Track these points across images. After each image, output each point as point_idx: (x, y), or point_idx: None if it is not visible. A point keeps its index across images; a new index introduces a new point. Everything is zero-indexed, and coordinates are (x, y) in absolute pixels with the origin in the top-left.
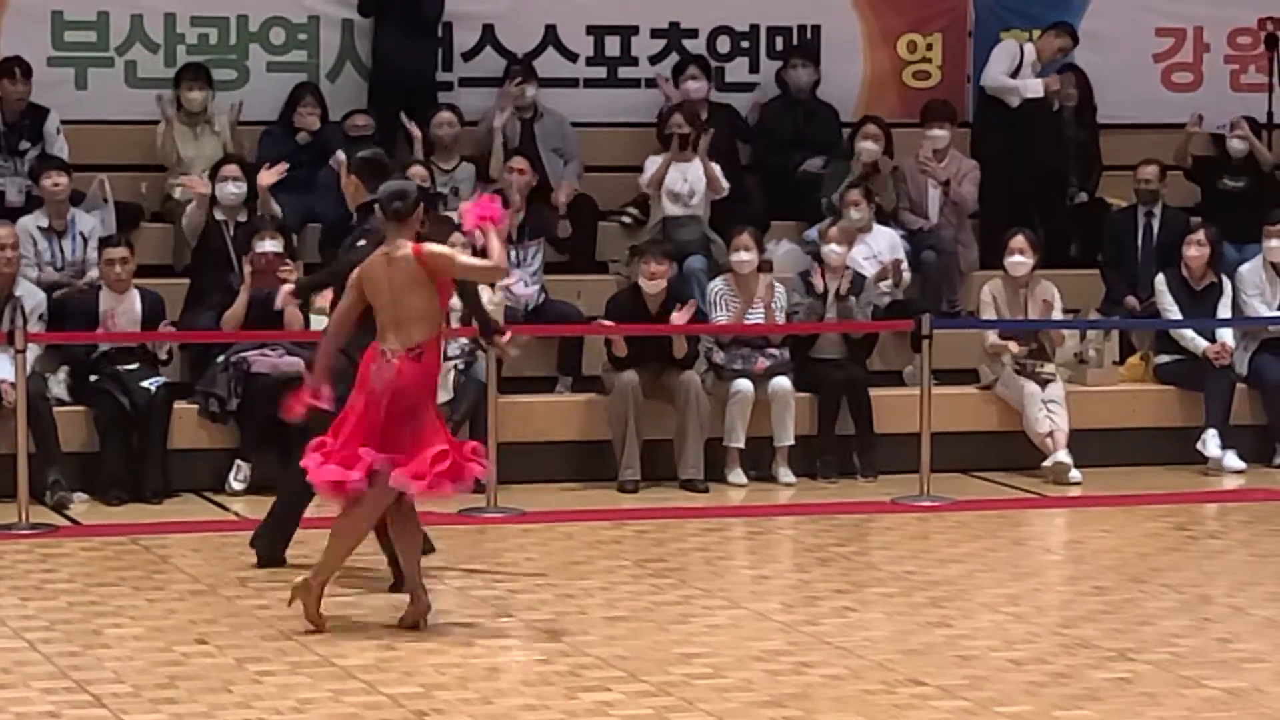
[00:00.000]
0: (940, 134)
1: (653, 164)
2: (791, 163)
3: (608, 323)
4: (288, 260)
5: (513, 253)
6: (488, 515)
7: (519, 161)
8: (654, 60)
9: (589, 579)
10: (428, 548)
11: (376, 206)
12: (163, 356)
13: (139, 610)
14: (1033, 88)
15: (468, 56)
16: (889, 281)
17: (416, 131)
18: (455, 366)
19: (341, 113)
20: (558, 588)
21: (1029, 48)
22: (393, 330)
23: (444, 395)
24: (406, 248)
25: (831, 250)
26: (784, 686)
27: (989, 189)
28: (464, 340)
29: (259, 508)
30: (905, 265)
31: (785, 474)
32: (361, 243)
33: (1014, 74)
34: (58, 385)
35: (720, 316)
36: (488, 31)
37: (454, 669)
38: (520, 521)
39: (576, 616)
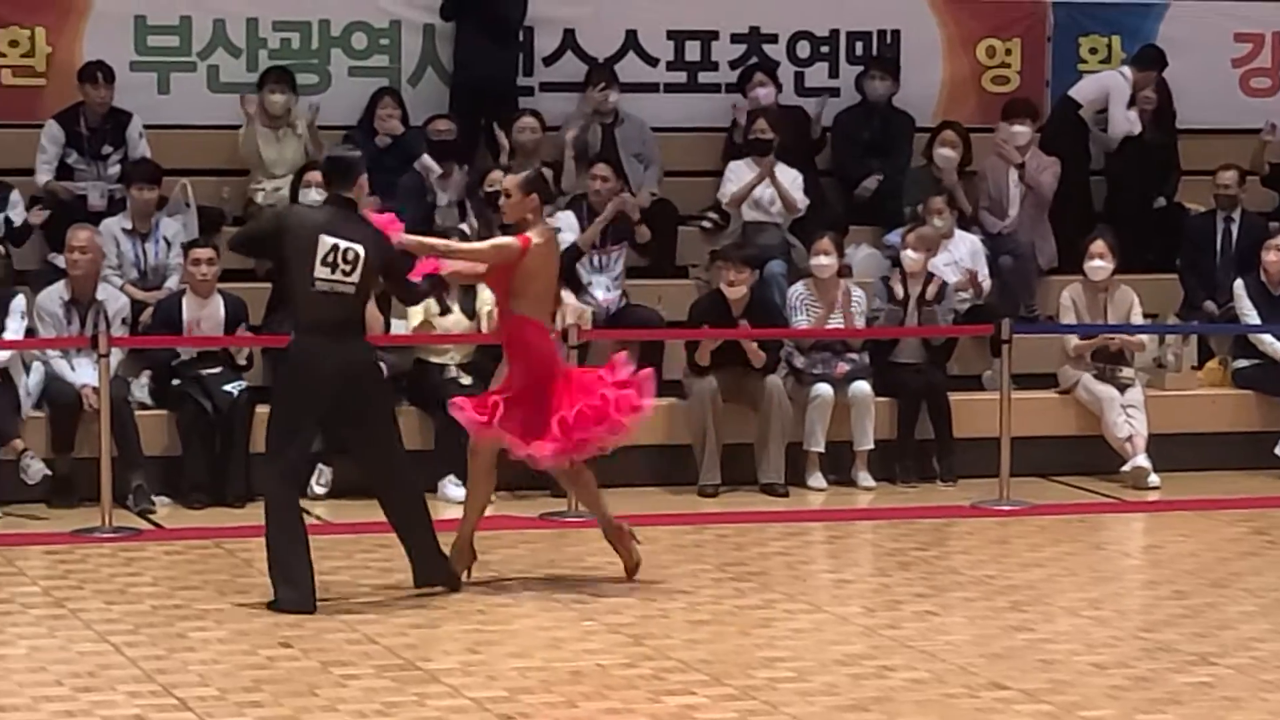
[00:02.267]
0: (1022, 130)
1: (733, 174)
2: (866, 169)
3: (691, 329)
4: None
5: (595, 257)
6: (570, 519)
7: (601, 169)
8: (734, 65)
9: (671, 582)
10: (453, 585)
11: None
12: (241, 361)
13: (223, 614)
14: (1128, 125)
15: (549, 61)
16: (970, 292)
17: (505, 142)
18: None
19: (423, 117)
20: (640, 591)
21: (1119, 81)
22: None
23: None
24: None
25: (910, 256)
26: (866, 690)
27: (1064, 193)
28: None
29: (340, 512)
30: (985, 274)
31: (865, 478)
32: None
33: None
34: (140, 389)
35: (801, 321)
36: (569, 36)
37: (538, 673)
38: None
39: (659, 620)
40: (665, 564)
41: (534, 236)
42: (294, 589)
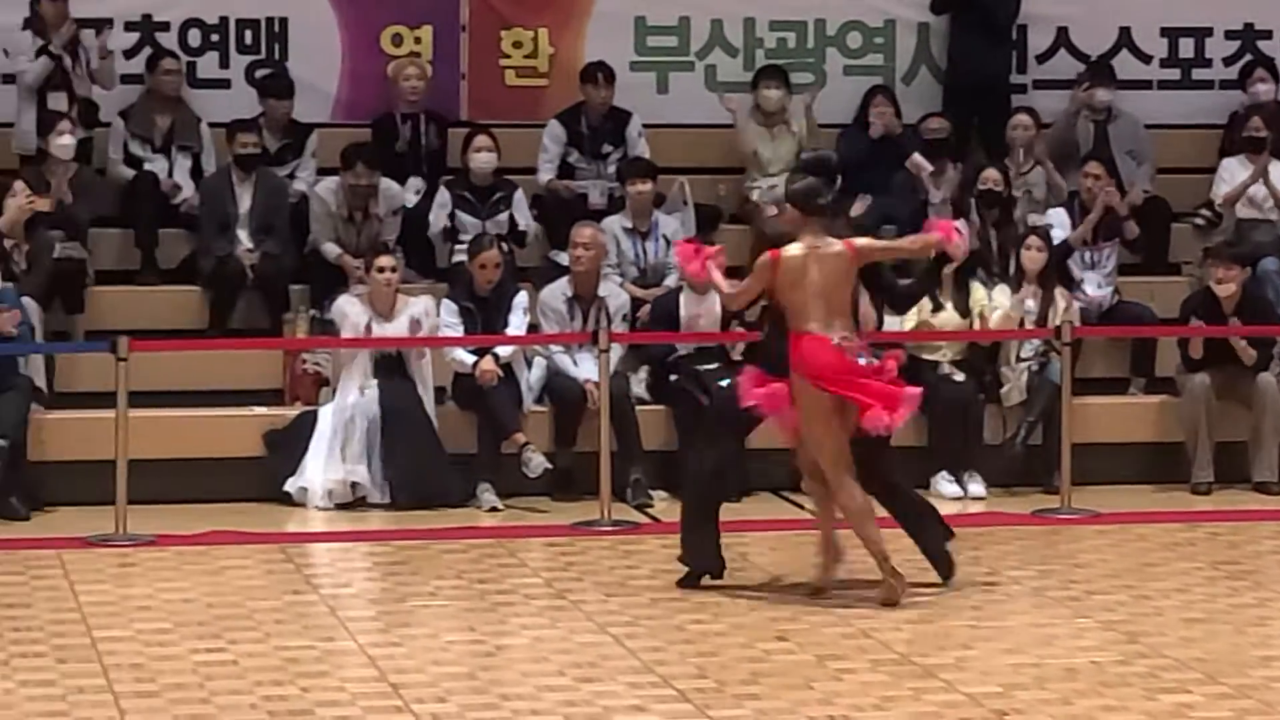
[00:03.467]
0: None
1: (1226, 171)
2: None
3: (1182, 326)
4: None
5: (1086, 254)
6: (1062, 516)
7: (1093, 166)
8: (1227, 62)
9: (1164, 580)
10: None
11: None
12: (735, 356)
13: (721, 607)
14: None
15: (1042, 59)
16: None
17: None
18: (1029, 368)
19: (916, 115)
20: (1133, 589)
21: None
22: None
23: (1017, 396)
24: (838, 244)
25: None
26: None
27: None
28: (1037, 341)
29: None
30: None
31: None
32: None
33: None
34: (638, 385)
35: None
36: (1062, 34)
37: (1032, 669)
38: (1094, 523)
39: (1153, 618)
40: (1157, 561)
41: (790, 249)
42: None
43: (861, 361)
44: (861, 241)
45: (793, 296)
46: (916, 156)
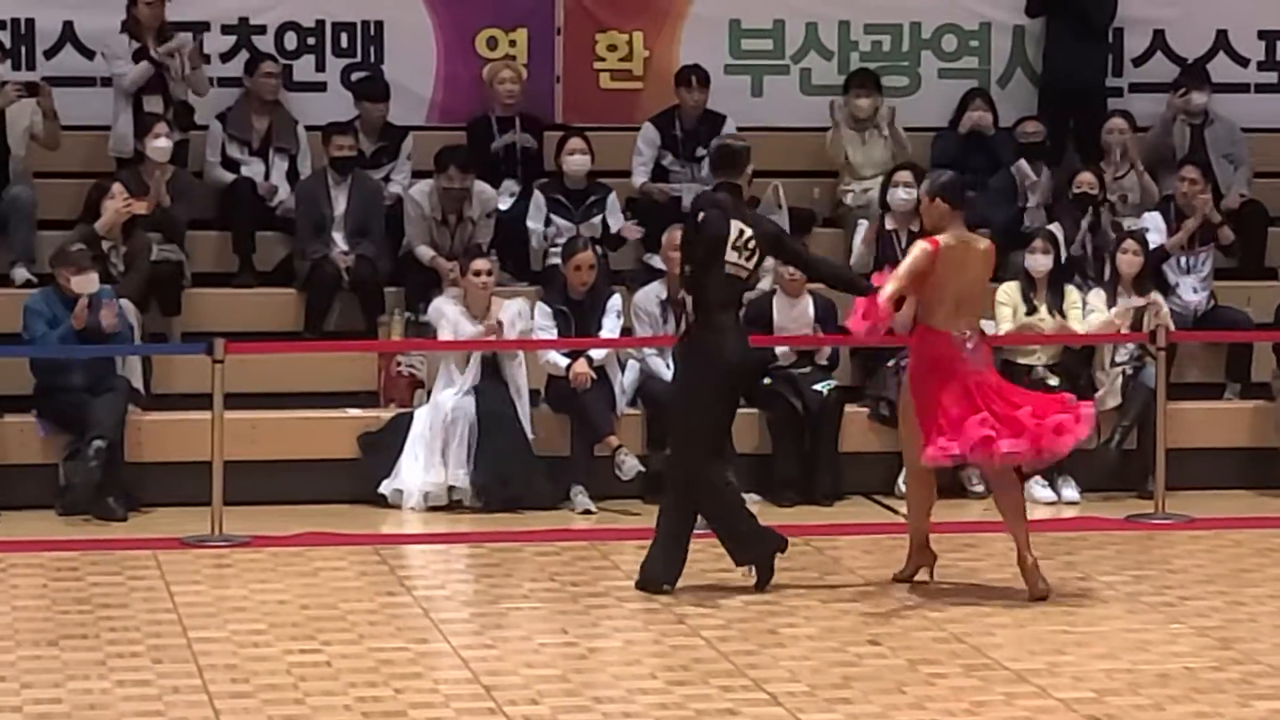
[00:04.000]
0: None
1: None
2: None
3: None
4: None
5: (1182, 259)
6: (1156, 521)
7: (1190, 171)
8: None
9: (1259, 586)
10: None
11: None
12: (822, 361)
13: (812, 610)
14: None
15: (1138, 62)
16: None
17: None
18: (1124, 371)
19: (1012, 119)
20: (1227, 595)
21: None
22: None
23: (1112, 401)
24: (985, 240)
25: None
26: None
27: None
28: (1131, 345)
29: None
30: None
31: None
32: None
33: None
34: None
35: None
36: (1158, 36)
37: (1125, 675)
38: (1189, 528)
39: (1247, 624)
40: (1252, 567)
41: (945, 239)
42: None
43: (972, 357)
44: None
45: (936, 287)
46: (1022, 163)
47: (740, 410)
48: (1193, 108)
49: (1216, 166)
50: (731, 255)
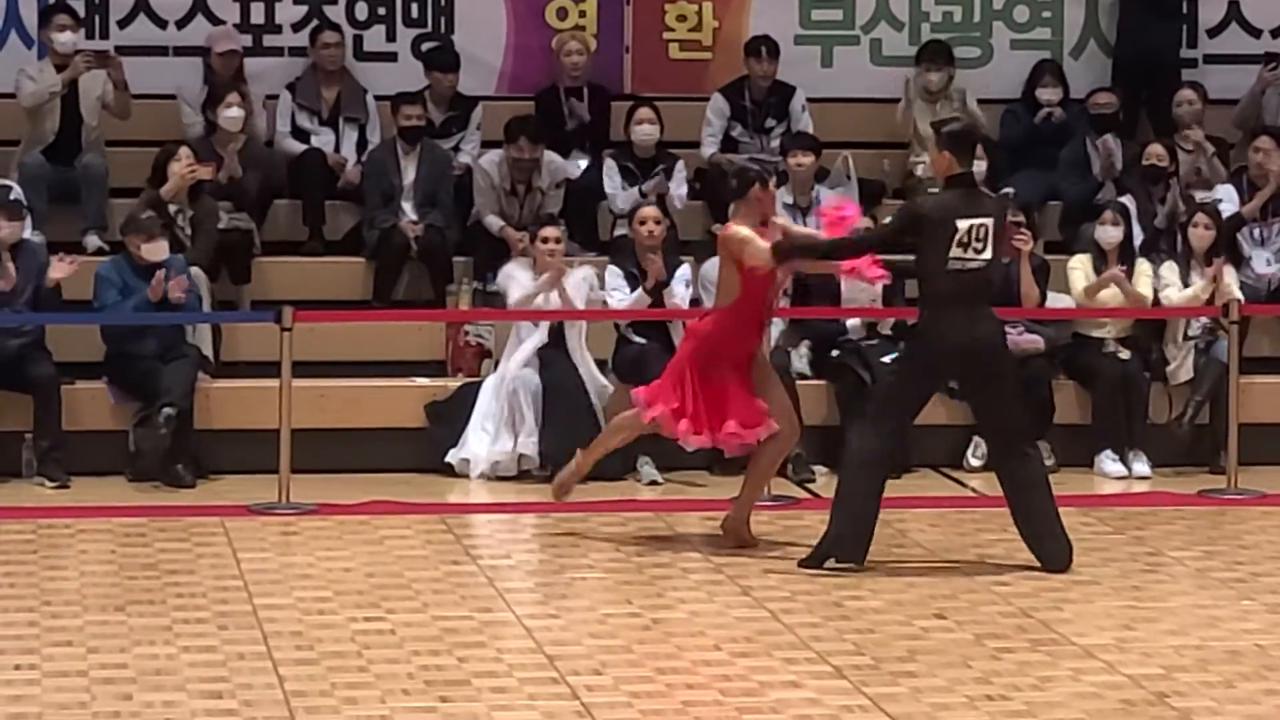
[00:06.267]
0: None
1: None
2: None
3: None
4: (1024, 230)
5: (1256, 231)
6: (1228, 497)
7: (1264, 141)
8: None
9: None
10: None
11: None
12: (886, 331)
13: (878, 584)
14: None
15: (1213, 33)
16: None
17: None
18: (1195, 346)
19: (1084, 91)
20: None
21: None
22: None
23: (1184, 375)
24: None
25: None
26: None
27: None
28: (1205, 320)
29: (997, 485)
30: None
31: None
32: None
33: None
34: (799, 360)
35: None
36: (1233, 8)
37: (1194, 651)
38: (1261, 504)
39: None
40: None
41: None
42: (845, 537)
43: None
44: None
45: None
46: (1108, 138)
47: (807, 382)
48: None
49: None
50: (956, 250)
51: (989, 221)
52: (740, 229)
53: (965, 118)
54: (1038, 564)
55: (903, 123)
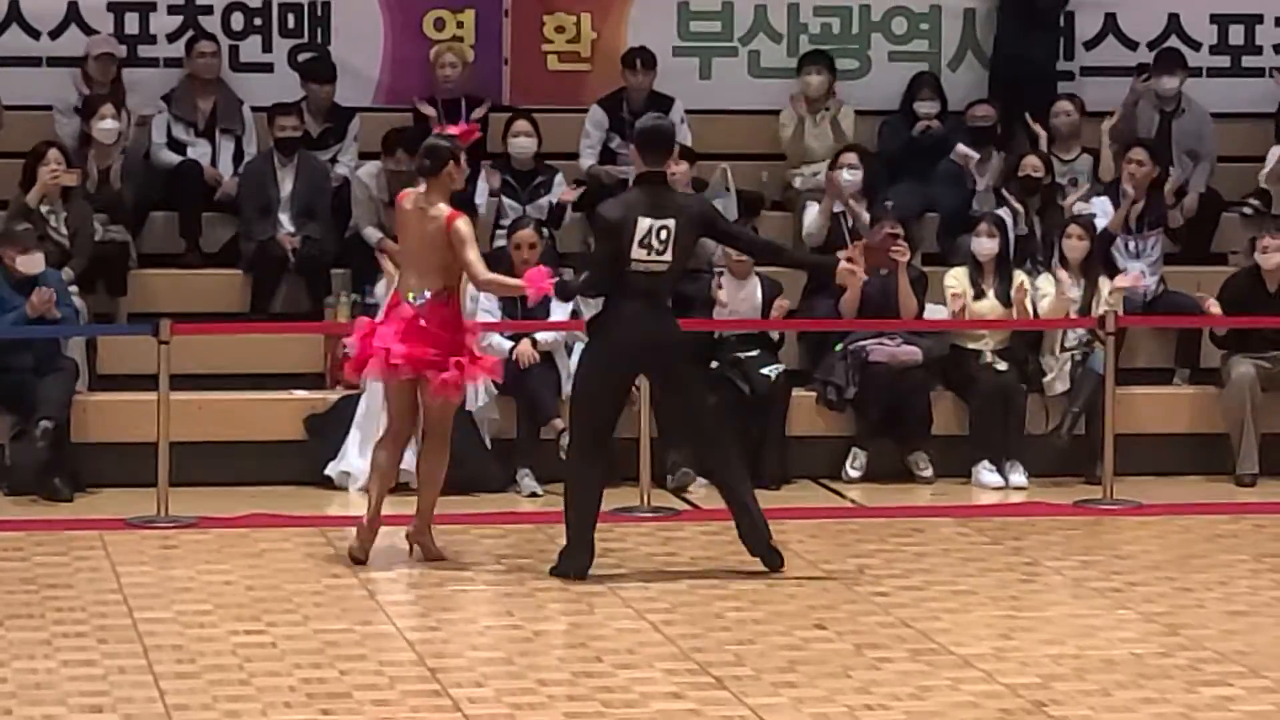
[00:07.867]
0: None
1: (1273, 157)
2: None
3: (1213, 304)
4: (901, 242)
5: (1130, 243)
6: (1104, 507)
7: (1138, 153)
8: (1279, 49)
9: (1206, 572)
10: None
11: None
12: (774, 336)
13: (758, 594)
14: None
15: (1089, 45)
16: None
17: (1040, 130)
18: (1073, 357)
19: (962, 103)
20: (1175, 581)
21: None
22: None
23: (1061, 386)
24: (443, 212)
25: None
26: None
27: None
28: (1082, 331)
29: (876, 495)
30: None
31: None
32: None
33: None
34: None
35: None
36: (1110, 20)
37: (1072, 660)
38: (1137, 514)
39: (1195, 610)
40: (1200, 553)
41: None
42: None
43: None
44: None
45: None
46: (961, 147)
47: None
48: (1164, 91)
49: (1177, 160)
50: (639, 253)
51: (671, 224)
52: (466, 229)
53: (663, 117)
54: (916, 574)
55: (787, 142)
